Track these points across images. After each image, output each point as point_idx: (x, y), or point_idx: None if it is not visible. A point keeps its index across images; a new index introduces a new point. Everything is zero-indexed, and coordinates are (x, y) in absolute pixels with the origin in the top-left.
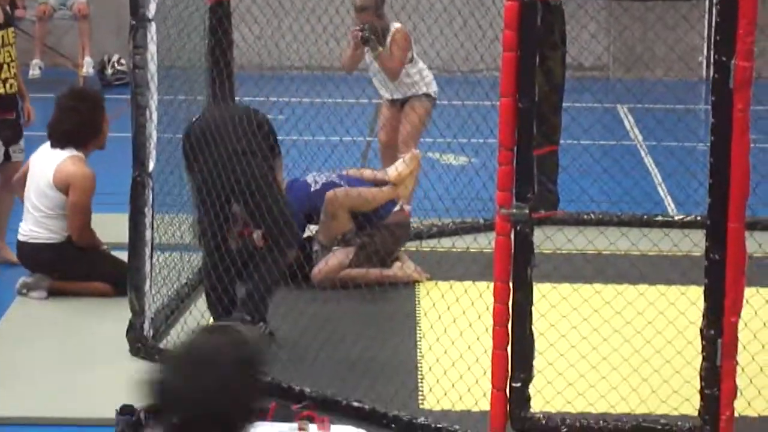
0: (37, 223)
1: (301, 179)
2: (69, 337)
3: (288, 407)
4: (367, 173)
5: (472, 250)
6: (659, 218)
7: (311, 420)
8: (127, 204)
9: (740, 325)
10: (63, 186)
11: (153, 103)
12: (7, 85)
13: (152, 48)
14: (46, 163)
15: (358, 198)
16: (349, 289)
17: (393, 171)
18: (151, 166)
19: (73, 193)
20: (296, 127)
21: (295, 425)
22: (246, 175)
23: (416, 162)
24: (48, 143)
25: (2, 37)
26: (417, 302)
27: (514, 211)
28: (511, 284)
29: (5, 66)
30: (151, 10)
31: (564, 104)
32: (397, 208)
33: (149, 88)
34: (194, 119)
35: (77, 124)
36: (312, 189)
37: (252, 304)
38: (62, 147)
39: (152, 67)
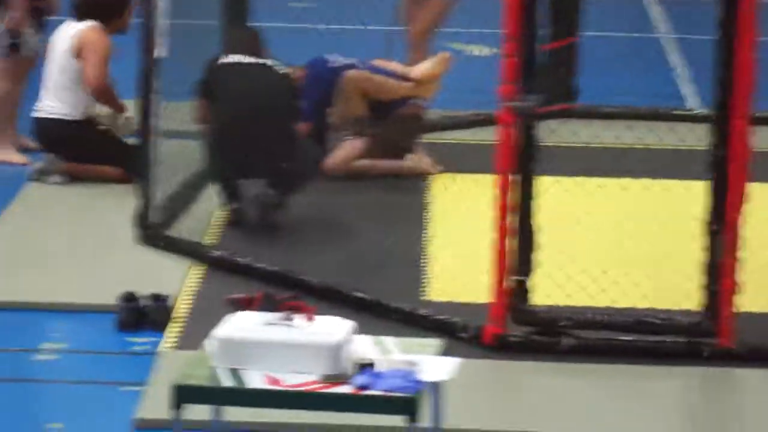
0: (55, 97)
1: (321, 58)
2: (77, 224)
3: (274, 297)
4: (394, 65)
5: (485, 142)
6: (669, 112)
7: (297, 309)
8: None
9: (742, 221)
10: (80, 53)
11: None
12: None
13: None
14: (66, 36)
15: (375, 84)
16: (361, 180)
17: (418, 70)
18: (159, 53)
19: (87, 49)
20: (318, 17)
21: (280, 315)
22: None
23: (445, 64)
24: (69, 22)
25: None
26: (426, 194)
27: (518, 103)
28: (514, 177)
29: None
30: None
31: None
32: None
33: None
34: (217, 57)
35: None
36: (329, 65)
37: (280, 187)
38: (83, 19)
39: None
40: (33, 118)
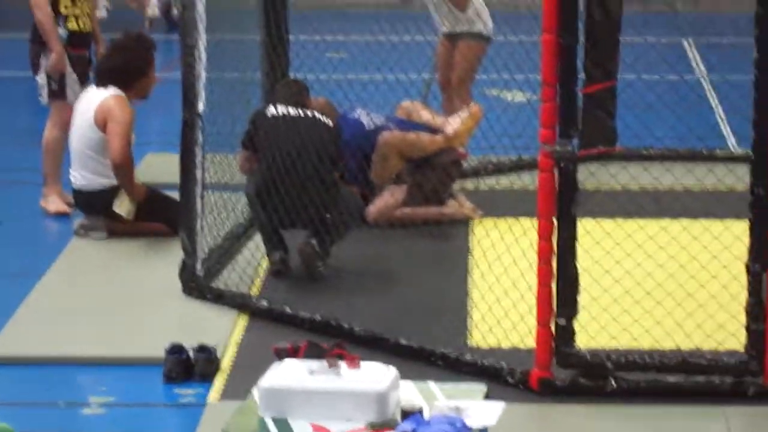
0: (82, 167)
1: (352, 116)
2: (122, 277)
3: (319, 345)
4: (422, 112)
5: (526, 187)
6: (708, 153)
7: (341, 357)
8: (178, 144)
9: None
10: (103, 123)
11: (201, 44)
12: (80, 22)
13: None
14: (89, 105)
15: (410, 144)
16: (402, 227)
17: (450, 127)
18: (200, 106)
19: (111, 121)
20: (353, 67)
21: (324, 362)
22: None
23: (476, 118)
24: (92, 87)
25: None
26: (469, 240)
27: (557, 148)
28: (555, 220)
29: (79, 2)
30: None
31: (626, 38)
32: None
33: (197, 28)
34: (263, 108)
35: (123, 63)
36: (367, 128)
37: (323, 237)
38: (105, 85)
39: (200, 6)
40: (72, 188)
